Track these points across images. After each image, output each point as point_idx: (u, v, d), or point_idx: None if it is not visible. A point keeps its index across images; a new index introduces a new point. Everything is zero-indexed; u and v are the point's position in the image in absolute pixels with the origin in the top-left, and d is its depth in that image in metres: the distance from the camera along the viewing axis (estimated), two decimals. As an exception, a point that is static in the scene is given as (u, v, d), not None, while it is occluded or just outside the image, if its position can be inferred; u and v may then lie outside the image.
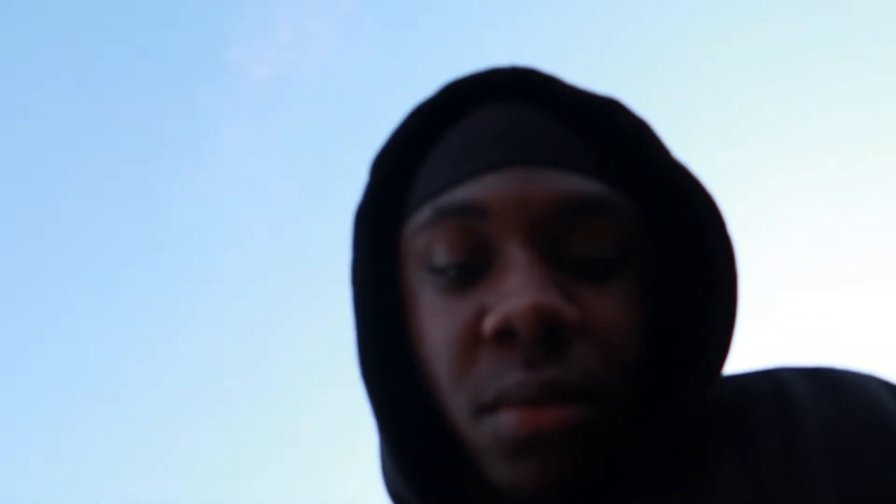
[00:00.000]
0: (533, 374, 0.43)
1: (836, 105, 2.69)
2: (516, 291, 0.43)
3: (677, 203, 0.50)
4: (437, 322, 0.47)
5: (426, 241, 0.48)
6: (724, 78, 2.81)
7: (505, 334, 0.44)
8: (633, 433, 0.47)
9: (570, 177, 0.47)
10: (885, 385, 0.50)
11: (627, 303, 0.46)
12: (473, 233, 0.46)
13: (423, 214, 0.48)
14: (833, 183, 2.58)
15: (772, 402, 0.49)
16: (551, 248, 0.46)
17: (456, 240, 0.47)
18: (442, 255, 0.47)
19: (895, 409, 0.48)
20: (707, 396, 0.47)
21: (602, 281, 0.46)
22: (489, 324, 0.44)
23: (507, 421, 0.44)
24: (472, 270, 0.47)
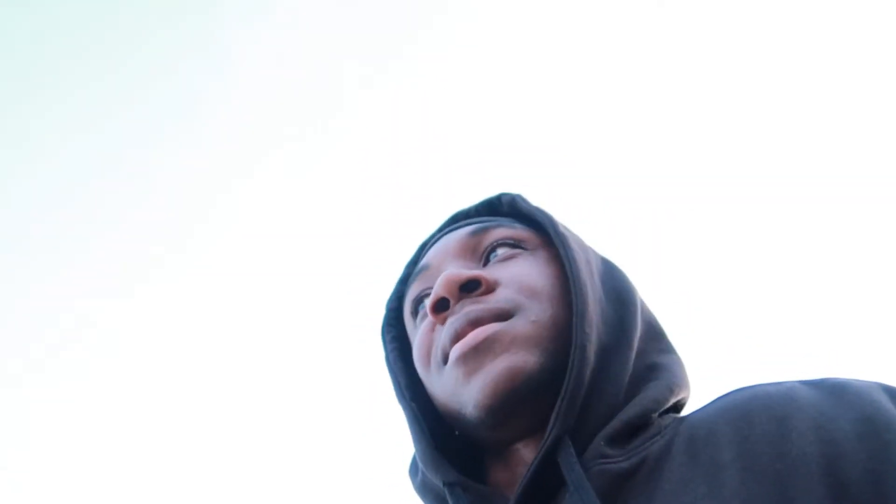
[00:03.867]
0: (458, 315, 0.62)
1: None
2: (437, 283, 0.64)
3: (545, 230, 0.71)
4: (416, 340, 0.68)
5: (410, 298, 0.72)
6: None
7: (439, 306, 0.64)
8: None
9: (476, 222, 0.72)
10: (886, 389, 0.55)
11: (531, 267, 0.66)
12: (426, 279, 0.71)
13: (410, 288, 0.73)
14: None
15: (774, 400, 0.55)
16: (469, 257, 0.69)
17: (419, 286, 0.71)
18: (415, 300, 0.72)
19: (890, 405, 0.52)
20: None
21: (512, 259, 0.67)
22: (427, 309, 0.65)
23: (455, 352, 0.61)
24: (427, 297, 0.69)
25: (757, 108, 2.72)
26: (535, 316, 0.61)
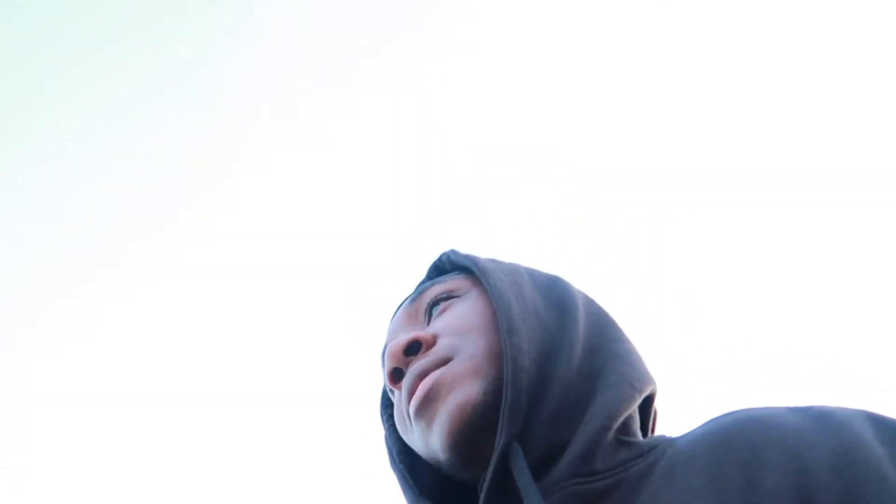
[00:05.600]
0: (408, 375, 0.67)
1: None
2: (386, 355, 0.70)
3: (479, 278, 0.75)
4: (395, 413, 0.73)
5: (385, 379, 0.74)
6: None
7: (395, 376, 0.69)
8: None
9: (417, 290, 0.78)
10: (869, 417, 0.55)
11: (462, 309, 0.71)
12: (387, 358, 0.73)
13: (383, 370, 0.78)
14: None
15: (753, 426, 0.55)
16: (415, 323, 0.74)
17: (386, 366, 0.73)
18: (387, 380, 0.74)
19: (870, 436, 0.52)
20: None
21: (447, 310, 0.72)
22: (386, 381, 0.71)
23: (410, 411, 0.65)
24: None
25: (757, 108, 2.72)
26: (470, 351, 0.65)
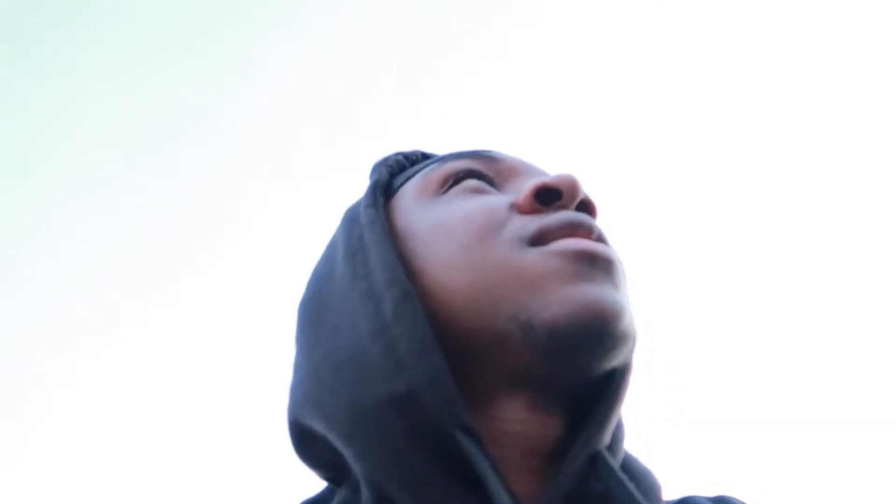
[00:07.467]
0: (578, 215, 0.49)
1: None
2: (559, 173, 0.51)
3: None
4: (454, 208, 0.52)
5: (442, 173, 0.55)
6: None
7: (546, 196, 0.50)
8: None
9: None
10: None
11: None
12: (489, 166, 0.55)
13: (439, 162, 0.56)
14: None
15: None
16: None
17: (476, 164, 0.55)
18: (461, 171, 0.54)
19: None
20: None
21: None
22: (528, 187, 0.50)
23: (571, 242, 0.47)
24: (486, 181, 0.54)
25: (758, 109, 2.71)
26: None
